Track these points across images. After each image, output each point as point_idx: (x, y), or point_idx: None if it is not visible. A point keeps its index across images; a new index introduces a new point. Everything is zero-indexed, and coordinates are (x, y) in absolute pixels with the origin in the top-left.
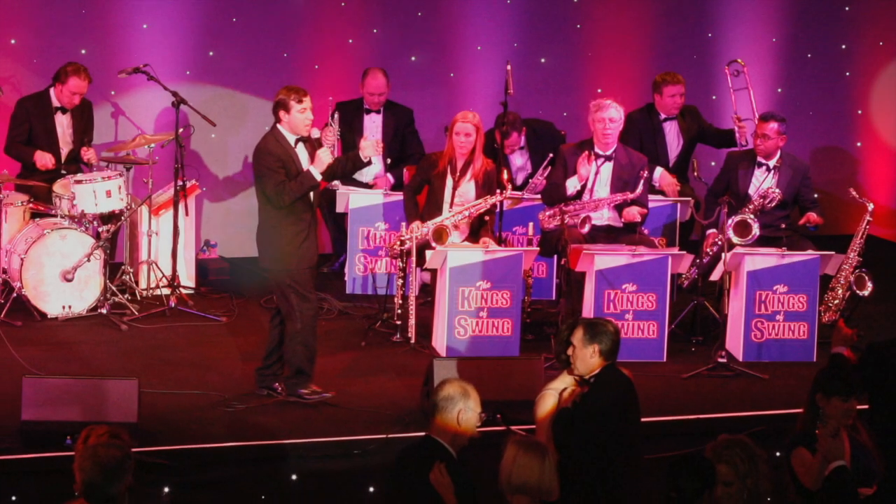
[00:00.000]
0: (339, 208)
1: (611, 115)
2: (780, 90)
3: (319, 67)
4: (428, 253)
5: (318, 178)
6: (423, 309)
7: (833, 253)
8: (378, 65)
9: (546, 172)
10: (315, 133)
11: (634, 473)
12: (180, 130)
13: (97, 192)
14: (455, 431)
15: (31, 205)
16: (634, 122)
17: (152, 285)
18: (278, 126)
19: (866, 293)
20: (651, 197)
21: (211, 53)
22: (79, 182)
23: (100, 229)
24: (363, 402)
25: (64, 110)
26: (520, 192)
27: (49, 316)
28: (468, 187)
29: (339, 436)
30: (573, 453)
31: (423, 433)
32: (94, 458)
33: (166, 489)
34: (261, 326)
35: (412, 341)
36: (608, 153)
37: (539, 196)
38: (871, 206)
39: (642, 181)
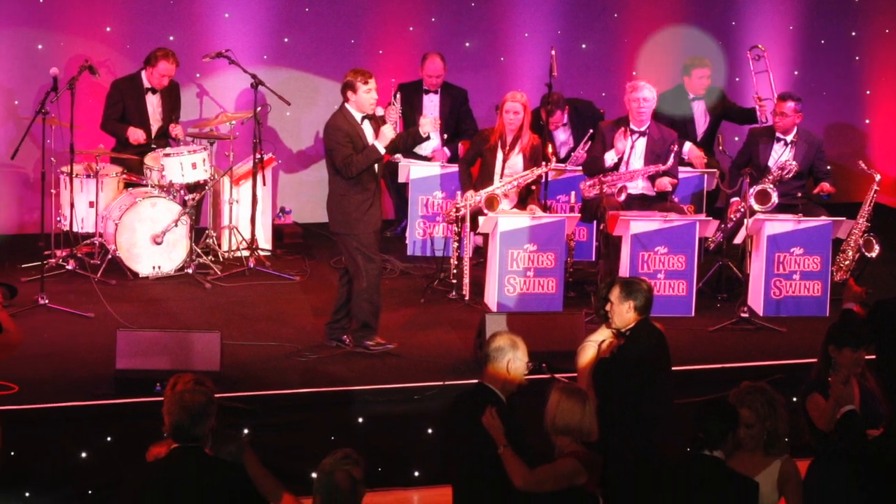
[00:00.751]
0: (401, 179)
1: (644, 95)
2: (796, 73)
3: (383, 52)
4: (480, 219)
5: (382, 151)
6: (476, 269)
7: (844, 219)
8: (436, 50)
9: (586, 147)
10: (379, 111)
11: (666, 416)
12: (258, 109)
13: (184, 165)
14: (505, 379)
15: (124, 176)
16: (666, 101)
17: (233, 248)
18: (346, 105)
19: (874, 255)
20: (680, 169)
21: (286, 40)
22: (167, 155)
23: (186, 197)
24: (422, 352)
25: (154, 91)
26: (563, 165)
27: (140, 275)
28: (517, 160)
29: (400, 383)
30: (611, 398)
31: (476, 380)
32: (181, 402)
33: (245, 431)
34: (330, 285)
35: (466, 298)
36: (642, 129)
37: (580, 168)
38: (878, 177)
39: (673, 154)
